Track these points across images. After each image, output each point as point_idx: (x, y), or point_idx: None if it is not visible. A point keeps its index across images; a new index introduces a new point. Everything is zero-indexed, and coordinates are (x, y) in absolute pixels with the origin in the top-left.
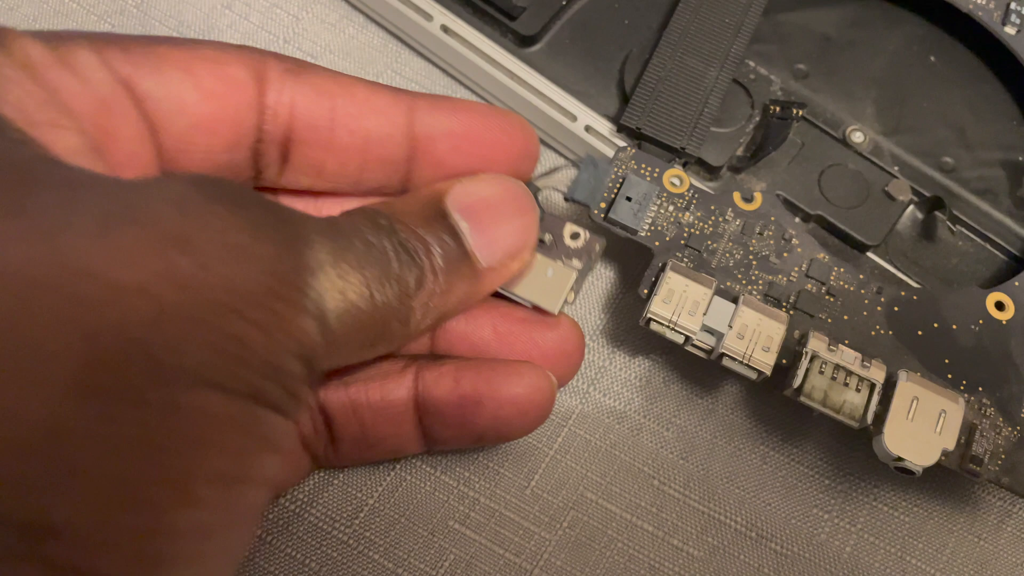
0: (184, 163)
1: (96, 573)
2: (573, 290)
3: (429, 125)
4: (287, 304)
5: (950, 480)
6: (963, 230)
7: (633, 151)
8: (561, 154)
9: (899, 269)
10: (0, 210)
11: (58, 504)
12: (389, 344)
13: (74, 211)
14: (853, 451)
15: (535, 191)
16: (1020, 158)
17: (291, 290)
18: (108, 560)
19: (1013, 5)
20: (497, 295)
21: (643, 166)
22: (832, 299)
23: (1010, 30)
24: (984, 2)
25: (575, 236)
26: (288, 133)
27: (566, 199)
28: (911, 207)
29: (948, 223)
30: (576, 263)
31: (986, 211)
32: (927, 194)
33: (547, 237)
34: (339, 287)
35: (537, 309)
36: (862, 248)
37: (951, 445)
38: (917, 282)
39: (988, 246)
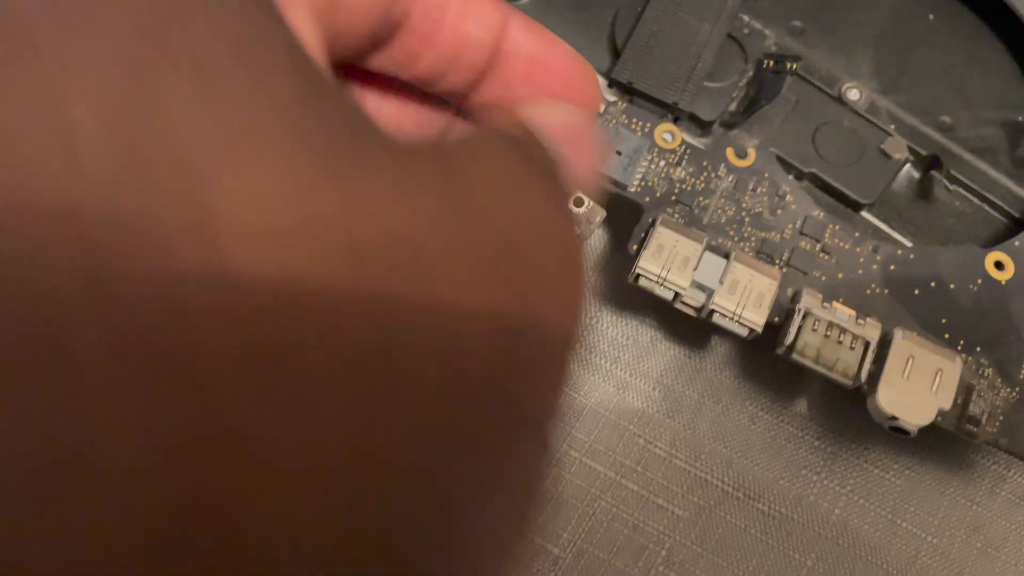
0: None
1: None
2: None
3: (516, 43)
4: None
5: (943, 443)
6: (960, 190)
7: (624, 105)
8: None
9: (894, 228)
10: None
11: None
12: None
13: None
14: (844, 412)
15: None
16: (1020, 118)
17: None
18: None
19: None
20: None
21: (634, 121)
22: (827, 257)
23: None
24: None
25: (579, 203)
26: (404, 16)
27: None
28: (907, 166)
29: (945, 182)
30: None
31: (984, 171)
32: (924, 153)
33: None
34: None
35: None
36: (856, 206)
37: (947, 405)
38: (912, 242)
39: (986, 206)
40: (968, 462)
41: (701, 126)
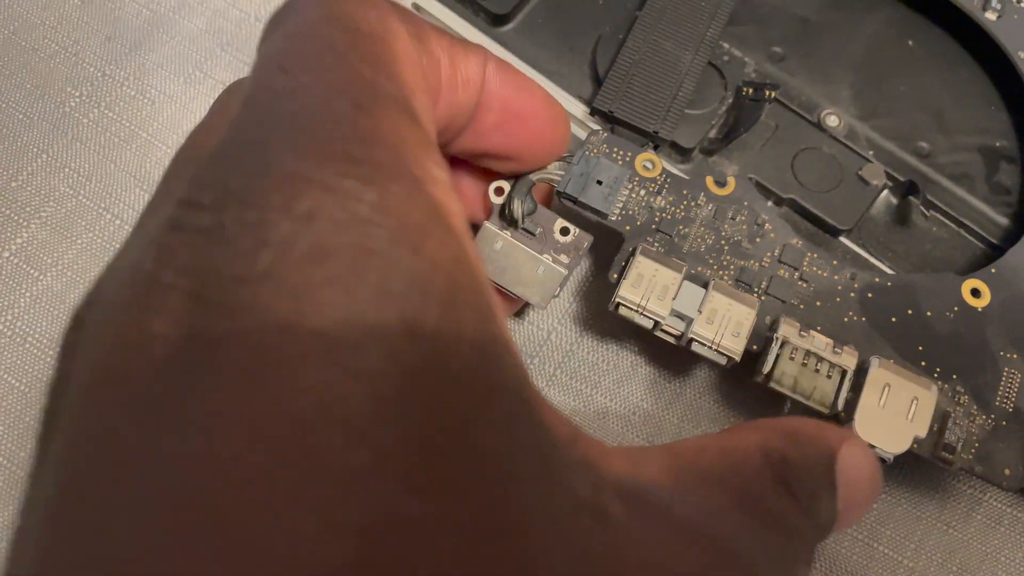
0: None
1: None
2: (561, 286)
3: (491, 93)
4: None
5: (919, 468)
6: (938, 216)
7: (605, 135)
8: None
9: (872, 254)
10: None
11: None
12: None
13: None
14: None
15: (529, 185)
16: (997, 143)
17: None
18: None
19: None
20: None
21: (615, 150)
22: (805, 284)
23: (990, 15)
24: None
25: (565, 232)
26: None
27: (558, 194)
28: (885, 192)
29: (922, 208)
30: (564, 259)
31: (962, 197)
32: (902, 179)
33: (538, 230)
34: None
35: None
36: (834, 232)
37: (923, 432)
38: (890, 268)
39: (963, 232)
40: (944, 486)
41: (681, 153)
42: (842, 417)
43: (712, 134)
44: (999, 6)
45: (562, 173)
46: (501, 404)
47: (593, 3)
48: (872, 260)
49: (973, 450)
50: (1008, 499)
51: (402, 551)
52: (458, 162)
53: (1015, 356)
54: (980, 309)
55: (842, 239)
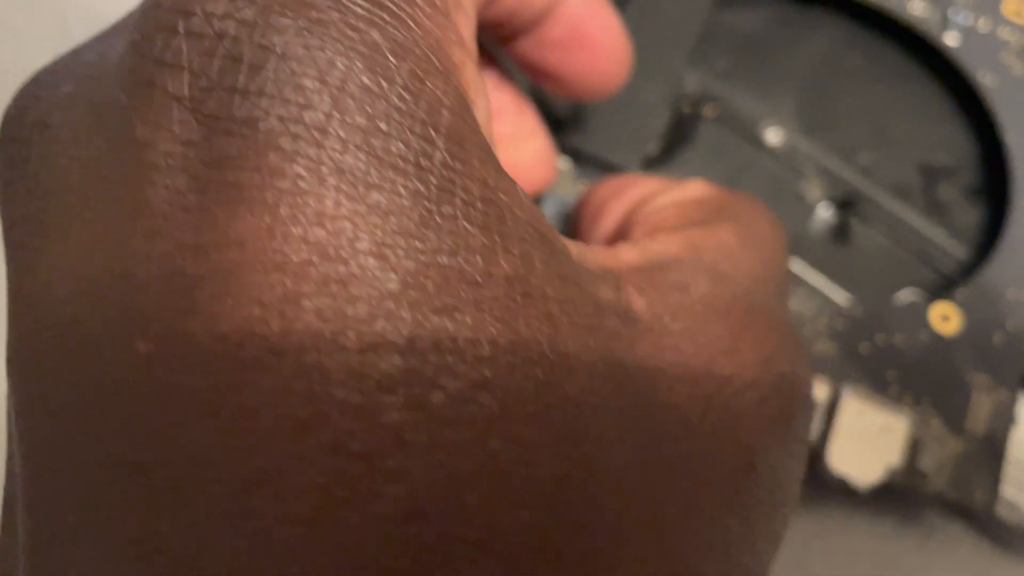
0: None
1: None
2: None
3: (569, 4)
4: None
5: (892, 499)
6: (876, 232)
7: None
8: None
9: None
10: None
11: None
12: None
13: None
14: None
15: None
16: (940, 160)
17: None
18: None
19: (950, 11)
20: None
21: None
22: None
23: (948, 39)
24: (917, 6)
25: None
26: None
27: None
28: (824, 209)
29: (859, 223)
30: None
31: (900, 213)
32: (840, 195)
33: None
34: None
35: None
36: None
37: (896, 461)
38: (828, 283)
39: (901, 249)
40: (918, 517)
41: (617, 172)
42: (816, 451)
43: (650, 152)
44: (959, 19)
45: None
46: (516, 231)
47: None
48: (808, 277)
49: (946, 475)
50: (941, 512)
51: (442, 363)
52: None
53: (984, 378)
54: (948, 335)
55: (797, 267)
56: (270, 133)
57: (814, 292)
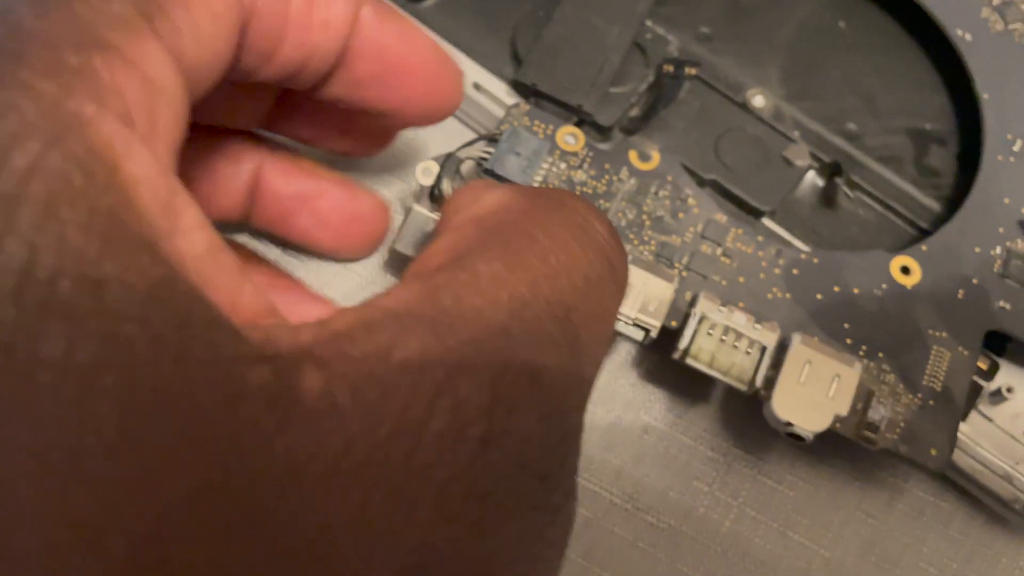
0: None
1: None
2: None
3: (366, 39)
4: None
5: (839, 454)
6: (864, 198)
7: (527, 108)
8: (459, 119)
9: (796, 236)
10: None
11: None
12: None
13: None
14: (741, 423)
15: (458, 162)
16: (928, 126)
17: None
18: None
19: None
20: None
21: (536, 123)
22: (728, 261)
23: None
24: None
25: None
26: (251, 11)
27: (485, 171)
28: (811, 173)
29: (846, 189)
30: None
31: (889, 179)
32: (827, 160)
33: None
34: None
35: None
36: (756, 214)
37: (845, 411)
38: (814, 249)
39: (890, 215)
40: (865, 474)
41: (600, 131)
42: (762, 395)
43: (633, 113)
44: None
45: (491, 150)
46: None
47: None
48: (795, 242)
49: (898, 430)
50: (932, 489)
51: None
52: (221, 137)
53: (944, 334)
54: (909, 287)
55: (766, 221)
56: None
57: (772, 237)
